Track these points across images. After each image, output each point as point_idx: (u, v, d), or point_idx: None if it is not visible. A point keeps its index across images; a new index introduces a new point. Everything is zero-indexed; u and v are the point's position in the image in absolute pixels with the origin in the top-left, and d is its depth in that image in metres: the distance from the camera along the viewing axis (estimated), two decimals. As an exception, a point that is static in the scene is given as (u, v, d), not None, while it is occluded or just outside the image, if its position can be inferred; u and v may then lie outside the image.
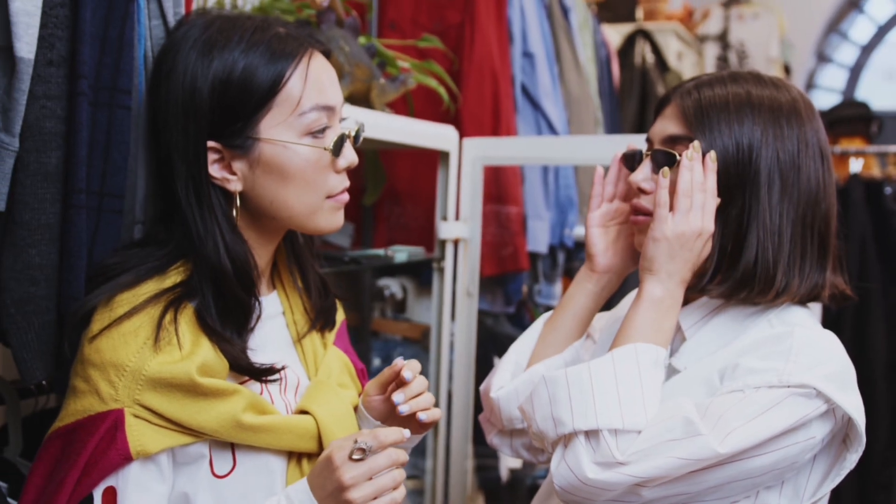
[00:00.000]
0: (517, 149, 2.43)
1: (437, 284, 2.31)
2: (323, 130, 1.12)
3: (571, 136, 2.99)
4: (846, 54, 8.73)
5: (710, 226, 1.18)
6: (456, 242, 2.30)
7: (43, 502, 1.02)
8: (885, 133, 6.19)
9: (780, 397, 1.09)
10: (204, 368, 1.04)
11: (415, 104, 2.30)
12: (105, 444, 0.99)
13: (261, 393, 1.12)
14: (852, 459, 1.17)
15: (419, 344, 2.55)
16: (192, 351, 1.04)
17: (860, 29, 8.69)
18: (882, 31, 8.59)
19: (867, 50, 8.64)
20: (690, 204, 1.17)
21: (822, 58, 8.58)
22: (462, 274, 2.31)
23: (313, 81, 1.11)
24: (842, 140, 5.00)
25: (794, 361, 1.11)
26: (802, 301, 1.23)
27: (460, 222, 2.29)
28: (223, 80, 1.07)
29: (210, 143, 1.08)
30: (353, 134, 1.17)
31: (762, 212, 1.17)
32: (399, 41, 2.38)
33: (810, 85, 8.51)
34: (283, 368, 1.14)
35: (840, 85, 8.68)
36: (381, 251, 2.12)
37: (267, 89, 1.08)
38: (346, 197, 1.16)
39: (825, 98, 8.52)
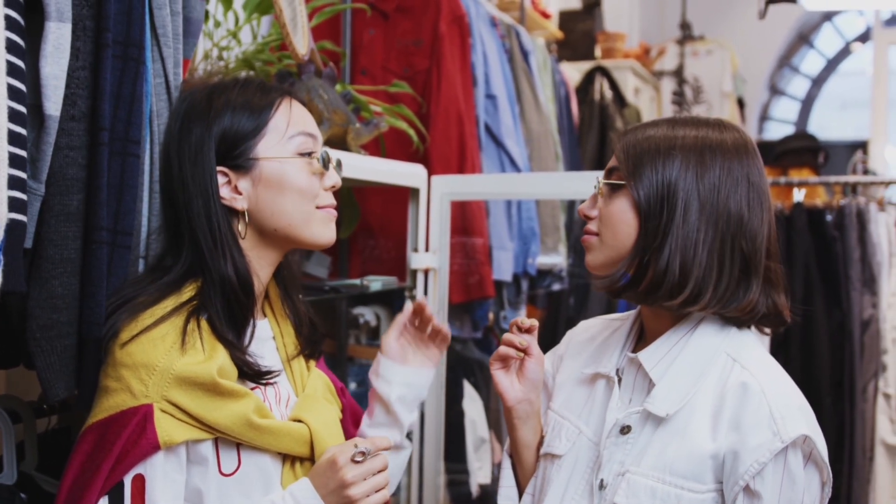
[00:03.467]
0: (482, 185, 2.55)
1: (409, 311, 2.43)
2: (310, 154, 1.31)
3: (532, 174, 3.11)
4: (798, 87, 8.96)
5: None
6: (426, 272, 2.39)
7: (78, 489, 1.14)
8: (837, 161, 6.45)
9: (790, 460, 1.17)
10: (221, 371, 1.19)
11: (386, 145, 2.42)
12: (136, 436, 1.13)
13: (263, 401, 1.27)
14: (827, 491, 1.23)
15: (393, 368, 2.65)
16: (211, 355, 1.20)
17: (811, 62, 8.93)
18: (832, 64, 8.86)
19: (818, 82, 8.89)
20: None
21: (775, 90, 8.82)
22: (432, 301, 2.40)
23: (295, 115, 1.32)
24: (791, 170, 5.23)
25: (779, 419, 1.17)
26: (736, 320, 1.29)
27: (430, 253, 2.40)
28: (222, 135, 1.27)
29: (219, 168, 1.27)
30: (334, 160, 1.36)
31: (676, 227, 1.24)
32: (370, 87, 2.49)
33: (764, 117, 8.73)
34: (279, 372, 1.30)
35: (793, 116, 8.92)
36: (357, 281, 2.24)
37: (255, 126, 1.28)
38: (334, 212, 1.34)
39: (779, 129, 8.73)
